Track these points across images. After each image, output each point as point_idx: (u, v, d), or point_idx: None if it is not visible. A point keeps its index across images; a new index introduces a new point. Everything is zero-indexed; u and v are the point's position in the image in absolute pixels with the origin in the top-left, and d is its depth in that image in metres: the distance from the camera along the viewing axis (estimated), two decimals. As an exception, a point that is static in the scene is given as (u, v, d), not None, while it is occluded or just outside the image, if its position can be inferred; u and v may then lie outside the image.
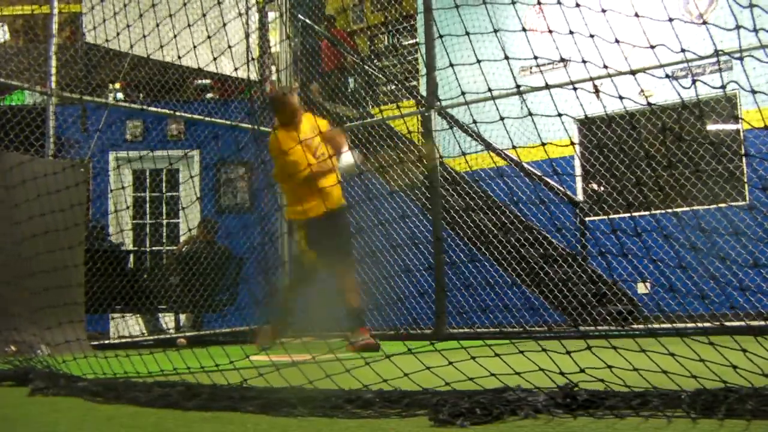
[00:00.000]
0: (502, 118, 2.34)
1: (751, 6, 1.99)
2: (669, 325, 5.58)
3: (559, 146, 2.47)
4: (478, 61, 2.45)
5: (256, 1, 8.15)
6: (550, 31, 2.27)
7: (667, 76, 2.76)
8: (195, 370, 2.78)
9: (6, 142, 6.05)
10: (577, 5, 2.30)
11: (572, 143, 6.93)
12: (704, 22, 2.17)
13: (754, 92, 2.06)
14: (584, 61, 2.22)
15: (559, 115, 2.36)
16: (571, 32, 2.30)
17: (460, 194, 7.57)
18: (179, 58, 4.24)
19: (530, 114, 2.35)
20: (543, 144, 2.37)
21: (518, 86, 2.43)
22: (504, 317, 6.91)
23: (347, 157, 5.14)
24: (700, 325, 5.40)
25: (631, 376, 1.89)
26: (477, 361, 2.16)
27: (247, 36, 7.46)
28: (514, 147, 2.49)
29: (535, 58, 2.34)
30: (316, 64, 8.99)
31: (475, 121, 2.62)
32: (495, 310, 6.98)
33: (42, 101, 6.83)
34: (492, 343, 2.54)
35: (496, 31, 2.45)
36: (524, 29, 2.43)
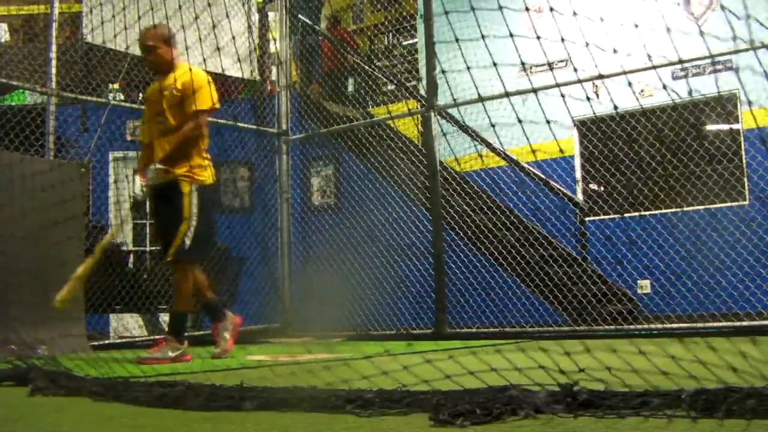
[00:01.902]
0: (486, 100, 2.34)
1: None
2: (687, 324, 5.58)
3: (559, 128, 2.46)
4: (483, 37, 2.46)
5: (256, 1, 8.14)
6: (556, 12, 2.27)
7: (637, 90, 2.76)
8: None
9: (6, 142, 6.04)
10: (575, 13, 2.31)
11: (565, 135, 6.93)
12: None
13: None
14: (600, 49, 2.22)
15: (562, 96, 2.36)
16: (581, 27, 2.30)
17: (460, 194, 7.57)
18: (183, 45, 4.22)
19: (529, 93, 2.36)
20: (545, 121, 2.36)
21: (526, 71, 2.43)
22: (504, 317, 6.91)
23: (151, 172, 4.53)
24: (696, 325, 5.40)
25: (638, 373, 1.88)
26: (484, 347, 2.16)
27: (249, 27, 7.44)
28: (510, 123, 2.48)
29: (537, 37, 2.34)
30: (317, 64, 8.99)
31: (458, 103, 2.62)
32: (495, 310, 6.98)
33: (42, 101, 6.82)
34: (493, 343, 2.55)
35: (501, 7, 2.46)
36: (525, 13, 2.44)
